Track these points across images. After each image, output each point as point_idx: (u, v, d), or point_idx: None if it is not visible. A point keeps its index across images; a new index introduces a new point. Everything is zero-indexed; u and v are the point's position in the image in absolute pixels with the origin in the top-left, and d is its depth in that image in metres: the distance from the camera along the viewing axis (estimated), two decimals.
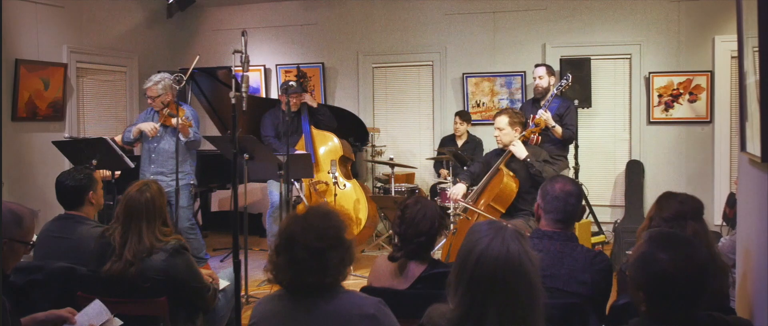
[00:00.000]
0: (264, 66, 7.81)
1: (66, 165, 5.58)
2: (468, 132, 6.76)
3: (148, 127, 5.11)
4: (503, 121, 4.52)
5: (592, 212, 6.13)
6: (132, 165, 4.81)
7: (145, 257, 2.81)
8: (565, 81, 5.12)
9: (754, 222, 2.43)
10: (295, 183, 5.42)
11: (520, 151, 4.43)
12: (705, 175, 6.54)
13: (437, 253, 4.70)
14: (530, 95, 5.96)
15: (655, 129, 6.68)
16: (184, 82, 5.01)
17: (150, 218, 2.87)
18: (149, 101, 5.19)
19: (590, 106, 6.45)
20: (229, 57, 5.24)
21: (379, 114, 7.60)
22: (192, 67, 5.24)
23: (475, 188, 4.60)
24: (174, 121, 4.93)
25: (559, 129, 5.14)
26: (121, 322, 2.65)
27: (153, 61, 7.55)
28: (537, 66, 5.60)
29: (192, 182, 5.32)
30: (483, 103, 7.13)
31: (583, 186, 5.70)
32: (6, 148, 5.75)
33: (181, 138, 4.98)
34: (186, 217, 5.20)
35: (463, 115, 6.70)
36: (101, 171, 4.59)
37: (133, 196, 2.88)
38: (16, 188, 5.84)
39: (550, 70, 5.49)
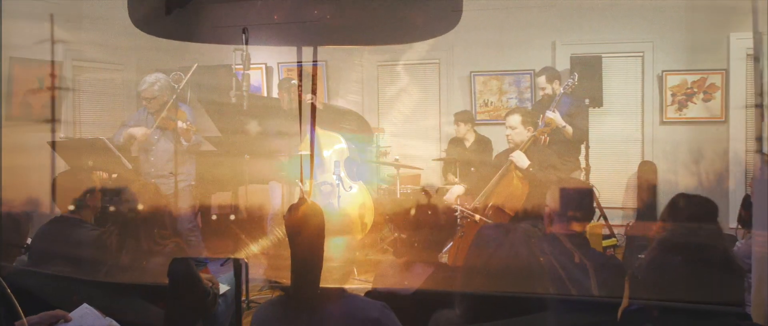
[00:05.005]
0: (265, 64, 7.75)
1: (62, 166, 5.54)
2: (476, 132, 6.65)
3: (139, 132, 4.94)
4: (516, 119, 4.45)
5: (603, 215, 6.04)
6: (130, 166, 4.75)
7: (142, 261, 2.76)
8: (571, 80, 5.10)
9: None
10: (299, 184, 5.37)
11: (522, 161, 4.33)
12: (719, 177, 6.44)
13: (444, 257, 4.63)
14: (539, 94, 5.91)
15: (668, 129, 6.59)
16: (183, 82, 4.94)
17: (148, 221, 2.83)
18: (145, 103, 5.05)
19: (601, 105, 6.36)
20: (230, 55, 5.23)
21: (384, 113, 7.53)
22: (189, 74, 5.12)
23: (483, 191, 4.53)
24: (179, 123, 4.83)
25: (569, 129, 5.10)
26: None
27: (151, 59, 7.48)
28: (537, 76, 5.57)
29: (192, 183, 5.24)
30: (491, 103, 7.05)
31: (594, 188, 5.65)
32: None
33: (183, 142, 4.89)
34: (187, 219, 5.14)
35: (464, 115, 6.48)
36: (98, 172, 4.54)
37: (131, 199, 2.84)
38: (9, 190, 5.81)
39: (550, 76, 5.52)
